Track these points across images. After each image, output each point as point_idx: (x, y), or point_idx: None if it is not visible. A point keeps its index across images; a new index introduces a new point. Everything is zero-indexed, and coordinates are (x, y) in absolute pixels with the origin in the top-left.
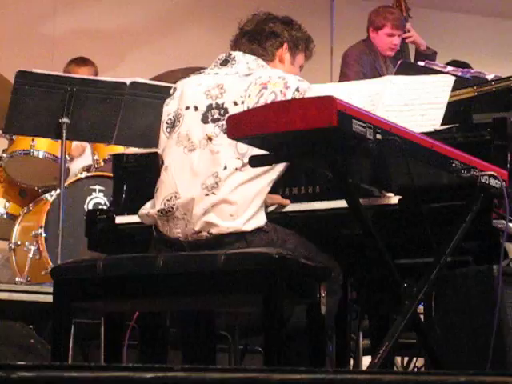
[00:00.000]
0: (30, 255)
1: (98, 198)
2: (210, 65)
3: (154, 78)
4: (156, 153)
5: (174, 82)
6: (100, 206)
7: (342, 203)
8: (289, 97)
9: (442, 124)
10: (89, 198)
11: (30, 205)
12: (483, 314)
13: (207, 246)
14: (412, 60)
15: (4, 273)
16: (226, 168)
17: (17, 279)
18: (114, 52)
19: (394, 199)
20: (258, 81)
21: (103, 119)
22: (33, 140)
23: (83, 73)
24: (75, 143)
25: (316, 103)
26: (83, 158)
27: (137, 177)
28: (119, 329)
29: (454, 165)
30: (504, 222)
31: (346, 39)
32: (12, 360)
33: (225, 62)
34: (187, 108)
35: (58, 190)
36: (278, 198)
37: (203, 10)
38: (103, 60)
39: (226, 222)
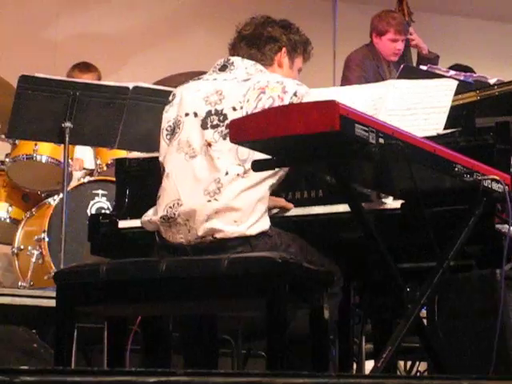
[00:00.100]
0: (33, 260)
1: (100, 203)
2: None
3: (157, 83)
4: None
5: (177, 87)
6: (103, 211)
7: (343, 207)
8: (286, 101)
9: (445, 128)
10: (92, 202)
11: (33, 209)
12: (486, 317)
13: (210, 250)
14: (414, 64)
15: (7, 277)
16: (227, 174)
17: (20, 284)
18: (117, 56)
19: (393, 204)
20: (256, 86)
21: (106, 124)
22: (36, 144)
23: (87, 79)
24: (75, 157)
25: (318, 107)
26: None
27: (139, 181)
28: (122, 333)
29: (456, 169)
30: (507, 226)
31: (348, 43)
32: (15, 364)
33: (223, 68)
34: (187, 114)
35: (61, 195)
36: (281, 201)
37: (207, 14)
38: (106, 64)
39: (230, 227)
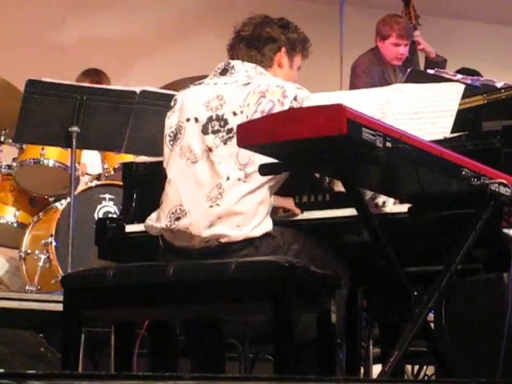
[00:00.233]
0: (41, 264)
1: (107, 207)
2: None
3: (165, 87)
4: None
5: None
6: (110, 215)
7: (348, 212)
8: (286, 106)
9: (452, 132)
10: (99, 206)
11: (40, 213)
12: (493, 321)
13: (215, 254)
14: (422, 68)
15: (14, 281)
16: (228, 179)
17: (27, 288)
18: (124, 60)
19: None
20: (256, 90)
21: (113, 128)
22: (43, 149)
23: None
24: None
25: (326, 111)
26: (93, 168)
27: (146, 185)
28: (129, 337)
29: (463, 173)
30: None
31: (355, 47)
32: (22, 368)
33: (224, 71)
34: (188, 120)
35: (68, 199)
36: (290, 203)
37: (214, 18)
38: (113, 68)
39: (234, 231)
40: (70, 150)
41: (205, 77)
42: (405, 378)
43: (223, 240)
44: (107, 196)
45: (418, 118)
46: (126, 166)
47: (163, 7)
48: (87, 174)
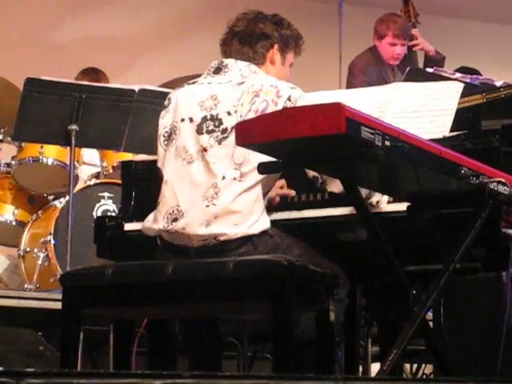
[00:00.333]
0: (39, 262)
1: (106, 205)
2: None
3: (164, 85)
4: None
5: None
6: (109, 213)
7: (348, 210)
8: (280, 105)
9: (451, 131)
10: (97, 204)
11: (39, 212)
12: (492, 320)
13: (214, 252)
14: (421, 66)
15: (13, 280)
16: (224, 178)
17: (26, 286)
18: (123, 59)
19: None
20: (250, 89)
21: (112, 126)
22: (41, 147)
23: None
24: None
25: (324, 110)
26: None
27: (145, 184)
28: (128, 336)
29: (462, 171)
30: None
31: (354, 46)
32: (21, 367)
33: (217, 70)
34: (182, 120)
35: (67, 197)
36: (282, 189)
37: (213, 18)
38: (112, 67)
39: (231, 230)
40: (68, 148)
41: (199, 75)
42: (403, 376)
43: (221, 238)
44: (106, 194)
45: (416, 117)
46: (125, 165)
47: (162, 6)
48: (84, 163)
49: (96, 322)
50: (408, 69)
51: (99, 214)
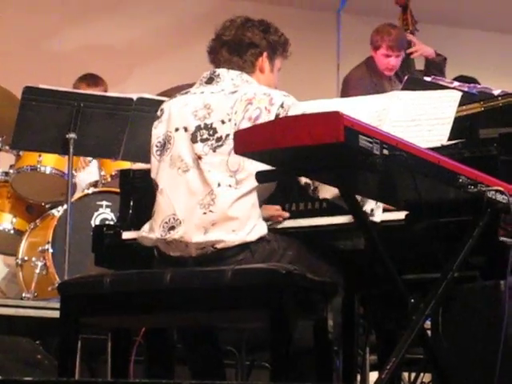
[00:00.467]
0: (37, 271)
1: (104, 214)
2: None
3: (162, 94)
4: None
5: None
6: (107, 222)
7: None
8: (273, 113)
9: (449, 139)
10: (96, 213)
11: (37, 220)
12: (490, 329)
13: (212, 261)
14: (422, 68)
15: (11, 288)
16: (219, 185)
17: (24, 295)
18: (122, 67)
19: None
20: (243, 97)
21: (110, 135)
22: (40, 156)
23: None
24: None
25: (323, 119)
26: (90, 173)
27: (143, 192)
28: (126, 344)
29: (460, 180)
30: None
31: (352, 55)
32: (19, 375)
33: (210, 80)
34: (177, 130)
35: (65, 206)
36: (275, 211)
37: (211, 27)
38: (110, 75)
39: (229, 236)
40: (67, 156)
41: (192, 85)
42: None
43: (219, 246)
44: (104, 203)
45: (415, 126)
46: (123, 173)
47: (161, 15)
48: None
49: (94, 331)
50: (406, 77)
51: (97, 222)
